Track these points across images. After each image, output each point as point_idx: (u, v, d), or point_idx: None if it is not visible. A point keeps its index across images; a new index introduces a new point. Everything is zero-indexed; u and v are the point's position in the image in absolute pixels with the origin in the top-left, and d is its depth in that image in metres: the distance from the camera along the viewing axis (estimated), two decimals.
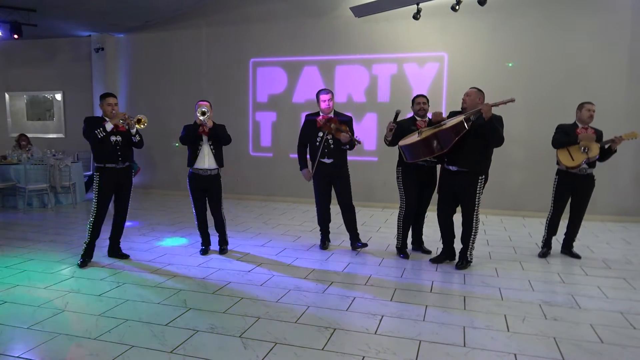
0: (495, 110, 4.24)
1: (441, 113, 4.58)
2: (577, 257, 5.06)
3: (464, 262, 4.60)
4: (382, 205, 8.06)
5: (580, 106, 4.93)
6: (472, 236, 4.52)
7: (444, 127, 4.33)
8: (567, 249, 5.18)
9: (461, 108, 4.55)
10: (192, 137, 4.82)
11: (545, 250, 5.15)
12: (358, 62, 8.31)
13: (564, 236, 5.21)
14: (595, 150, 4.74)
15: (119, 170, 4.64)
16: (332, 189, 5.22)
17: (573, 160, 4.81)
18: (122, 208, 4.83)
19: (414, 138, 4.52)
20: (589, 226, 6.68)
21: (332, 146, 5.04)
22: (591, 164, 4.87)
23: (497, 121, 4.29)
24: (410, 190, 4.90)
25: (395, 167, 5.01)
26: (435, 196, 4.99)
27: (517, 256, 5.14)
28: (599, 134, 4.88)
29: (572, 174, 4.90)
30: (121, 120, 4.55)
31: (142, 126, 4.61)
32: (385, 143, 4.90)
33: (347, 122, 5.09)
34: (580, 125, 4.90)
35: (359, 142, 4.94)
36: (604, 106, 6.90)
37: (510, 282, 4.23)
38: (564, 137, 4.87)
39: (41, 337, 3.04)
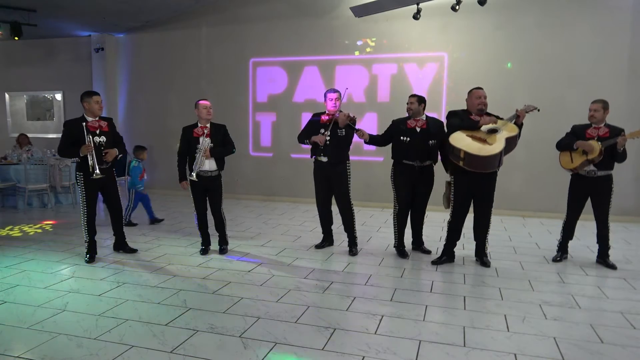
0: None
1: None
2: (612, 267, 4.71)
3: (486, 257, 4.80)
4: (382, 205, 8.06)
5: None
6: (489, 230, 4.77)
7: (507, 136, 4.38)
8: (601, 258, 4.86)
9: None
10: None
11: (559, 255, 4.97)
12: (358, 62, 8.31)
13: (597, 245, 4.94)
14: (596, 152, 4.53)
15: (103, 170, 4.61)
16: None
17: (572, 162, 4.70)
18: (114, 205, 4.89)
19: (486, 148, 4.25)
20: (590, 226, 6.63)
21: (328, 143, 4.96)
22: (604, 166, 4.59)
23: None
24: (401, 189, 4.92)
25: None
26: (432, 196, 5.01)
27: (517, 256, 5.14)
28: (615, 133, 4.54)
29: (581, 177, 4.71)
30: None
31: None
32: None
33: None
34: (593, 126, 4.67)
35: (353, 125, 4.93)
36: None
37: (510, 282, 4.23)
38: (566, 139, 4.75)
39: (41, 337, 3.04)
